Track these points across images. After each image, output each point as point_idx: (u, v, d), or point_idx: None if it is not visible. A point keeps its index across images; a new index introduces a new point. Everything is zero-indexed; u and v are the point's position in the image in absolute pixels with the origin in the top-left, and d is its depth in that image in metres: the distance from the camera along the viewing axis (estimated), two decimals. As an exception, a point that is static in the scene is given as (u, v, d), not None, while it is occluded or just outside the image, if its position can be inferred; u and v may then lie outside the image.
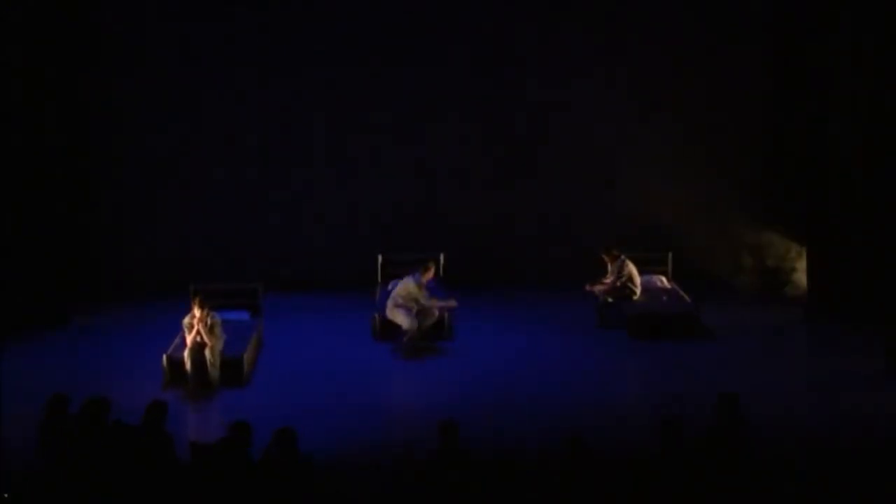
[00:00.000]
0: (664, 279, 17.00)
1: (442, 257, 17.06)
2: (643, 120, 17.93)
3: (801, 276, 17.25)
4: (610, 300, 15.95)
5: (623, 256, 16.12)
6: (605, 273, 16.23)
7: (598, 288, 16.07)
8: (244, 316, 15.48)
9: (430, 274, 15.08)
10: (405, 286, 14.91)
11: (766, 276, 17.96)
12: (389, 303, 15.01)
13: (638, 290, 16.06)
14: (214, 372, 13.41)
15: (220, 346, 13.60)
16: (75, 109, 16.98)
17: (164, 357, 13.61)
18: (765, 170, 17.85)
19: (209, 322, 13.55)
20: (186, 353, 13.41)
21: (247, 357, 13.88)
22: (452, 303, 15.24)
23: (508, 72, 17.91)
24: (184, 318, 13.77)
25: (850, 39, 15.54)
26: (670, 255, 17.22)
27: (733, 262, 18.11)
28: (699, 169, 18.03)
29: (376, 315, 15.48)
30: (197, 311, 13.58)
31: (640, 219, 17.93)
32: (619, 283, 15.98)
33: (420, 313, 14.83)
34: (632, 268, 16.09)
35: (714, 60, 17.81)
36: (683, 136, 17.96)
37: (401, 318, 14.81)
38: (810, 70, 16.21)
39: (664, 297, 16.32)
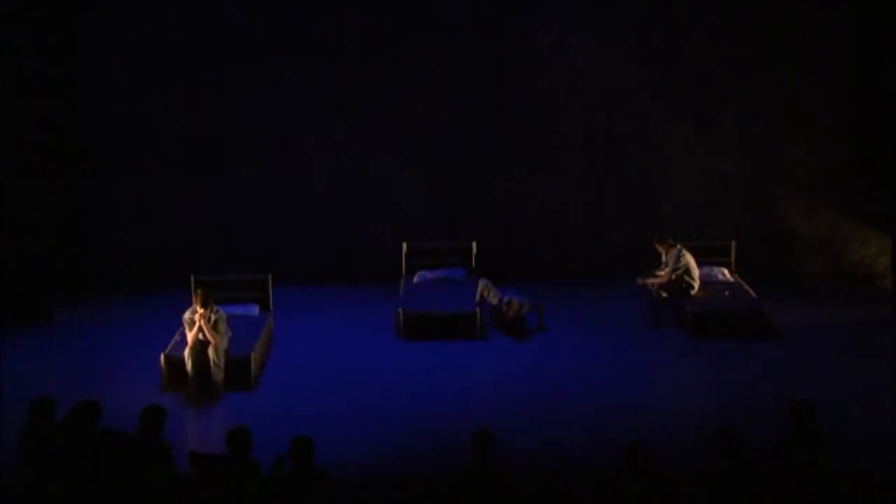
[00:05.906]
0: (726, 272, 16.89)
1: (475, 246, 17.05)
2: (703, 98, 17.86)
3: (886, 269, 17.10)
4: (665, 295, 15.85)
5: (679, 245, 16.01)
6: (658, 264, 16.16)
7: (651, 281, 16.00)
8: (252, 310, 15.49)
9: (512, 311, 15.59)
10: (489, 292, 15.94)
11: (844, 269, 17.82)
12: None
13: (696, 284, 15.96)
14: (218, 373, 13.44)
15: (224, 344, 13.62)
16: (57, 84, 17.08)
17: (162, 356, 13.65)
18: (847, 155, 17.70)
19: (213, 317, 13.59)
20: (187, 352, 13.44)
21: (255, 356, 13.88)
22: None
23: (549, 51, 17.80)
24: (184, 312, 13.82)
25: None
26: (734, 244, 17.10)
27: (806, 252, 17.97)
28: (769, 152, 17.93)
29: (401, 310, 15.49)
30: (199, 306, 13.62)
31: (701, 204, 17.84)
32: (674, 276, 15.88)
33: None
34: (689, 258, 15.98)
35: (793, 38, 17.65)
36: (753, 119, 17.88)
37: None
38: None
39: (726, 292, 16.22)
